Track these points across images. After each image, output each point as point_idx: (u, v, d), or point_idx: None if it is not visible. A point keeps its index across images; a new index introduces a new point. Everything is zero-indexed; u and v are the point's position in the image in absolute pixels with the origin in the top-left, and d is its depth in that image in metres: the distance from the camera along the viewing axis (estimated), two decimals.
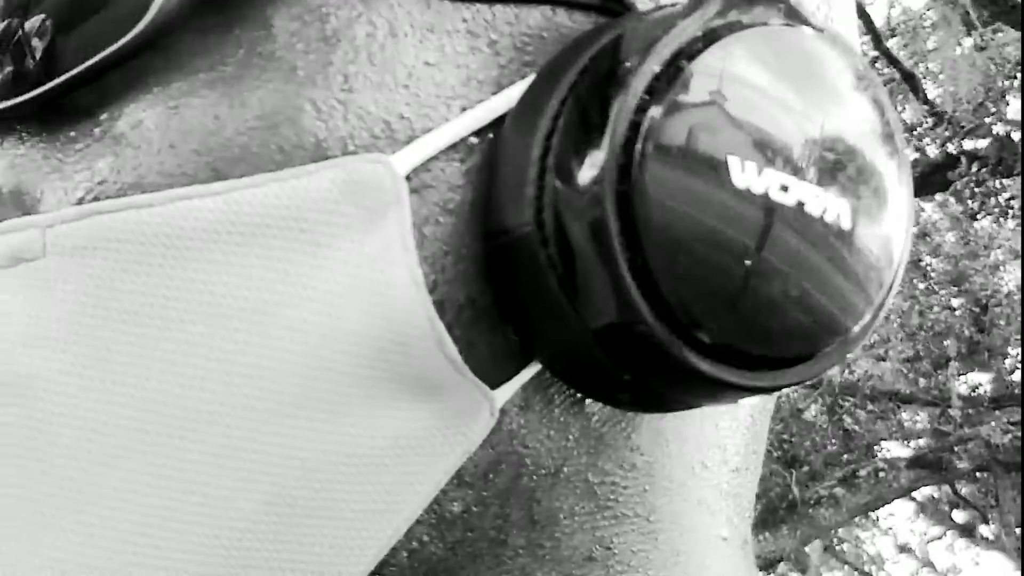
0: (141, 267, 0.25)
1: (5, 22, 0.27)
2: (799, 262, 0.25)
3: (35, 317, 0.25)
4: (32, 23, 0.26)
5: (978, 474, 6.46)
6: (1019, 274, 5.83)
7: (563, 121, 0.25)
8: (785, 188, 0.25)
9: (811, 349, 0.26)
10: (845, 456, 6.02)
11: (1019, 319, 5.68)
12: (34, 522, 0.25)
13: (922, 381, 6.18)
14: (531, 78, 0.27)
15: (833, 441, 6.05)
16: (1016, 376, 6.26)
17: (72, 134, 0.27)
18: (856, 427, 6.17)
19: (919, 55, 6.36)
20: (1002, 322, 6.01)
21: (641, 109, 0.25)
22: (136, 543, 0.26)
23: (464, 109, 0.27)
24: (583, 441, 0.29)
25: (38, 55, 0.26)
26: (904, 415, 6.62)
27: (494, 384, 0.27)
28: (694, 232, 0.25)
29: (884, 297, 0.27)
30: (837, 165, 0.26)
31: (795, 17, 0.27)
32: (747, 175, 0.25)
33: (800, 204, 0.25)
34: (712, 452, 0.32)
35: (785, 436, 5.81)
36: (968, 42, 5.72)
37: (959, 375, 6.23)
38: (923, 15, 6.39)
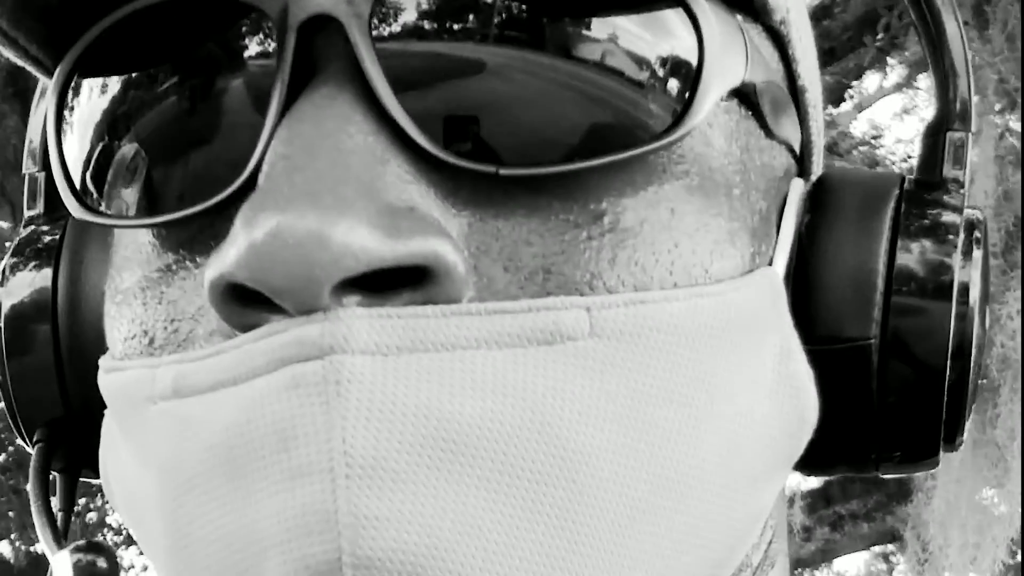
0: (669, 353, 0.28)
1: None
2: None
3: (583, 396, 0.26)
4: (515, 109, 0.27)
5: None
6: None
7: (900, 263, 0.33)
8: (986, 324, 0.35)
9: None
10: None
11: None
12: None
13: None
14: (798, 192, 0.34)
15: None
16: None
17: (570, 218, 0.28)
18: None
19: None
20: None
21: (962, 264, 0.33)
22: None
23: (778, 224, 0.33)
24: None
25: (539, 139, 0.27)
26: None
27: None
28: (977, 354, 0.33)
29: None
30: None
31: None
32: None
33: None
34: None
35: None
36: None
37: None
38: None
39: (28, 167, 0.40)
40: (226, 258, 0.25)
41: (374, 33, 0.26)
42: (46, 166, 0.40)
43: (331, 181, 0.25)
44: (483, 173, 0.27)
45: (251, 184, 0.26)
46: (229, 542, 0.27)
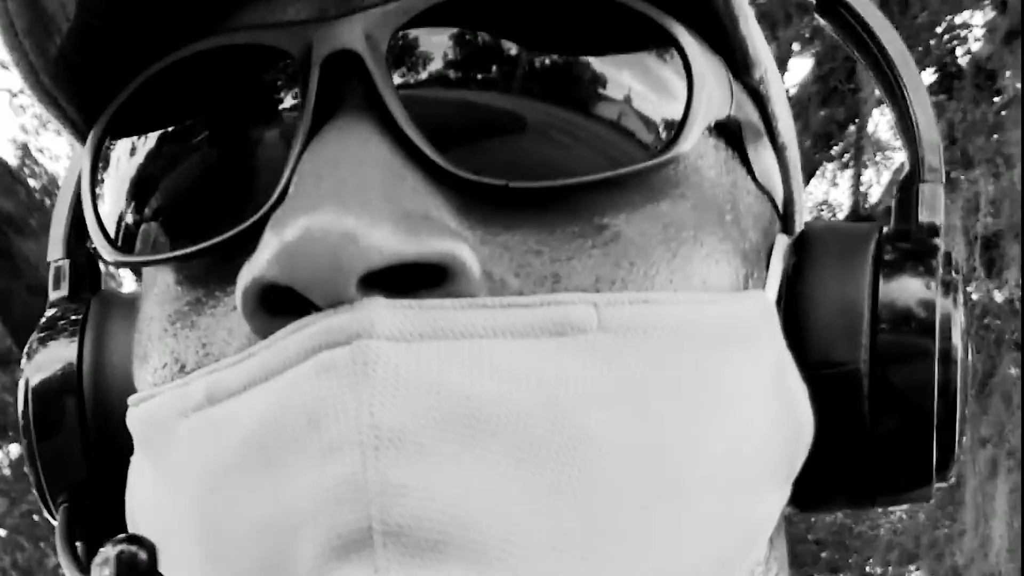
0: (674, 351, 0.29)
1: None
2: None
3: (592, 383, 0.28)
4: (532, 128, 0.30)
5: None
6: None
7: (883, 291, 0.34)
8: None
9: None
10: None
11: None
12: (575, 561, 0.27)
13: None
14: (783, 244, 0.36)
15: None
16: None
17: (575, 230, 0.30)
18: None
19: None
20: None
21: (945, 295, 0.34)
22: None
23: (767, 264, 0.35)
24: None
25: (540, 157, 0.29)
26: None
27: None
28: (963, 383, 0.35)
29: None
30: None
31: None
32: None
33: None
34: None
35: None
36: None
37: None
38: None
39: (53, 255, 0.43)
40: (259, 261, 0.27)
41: (392, 68, 0.29)
42: (70, 254, 0.43)
43: (354, 186, 0.27)
44: (494, 187, 0.29)
45: (281, 204, 0.28)
46: (263, 529, 0.28)
